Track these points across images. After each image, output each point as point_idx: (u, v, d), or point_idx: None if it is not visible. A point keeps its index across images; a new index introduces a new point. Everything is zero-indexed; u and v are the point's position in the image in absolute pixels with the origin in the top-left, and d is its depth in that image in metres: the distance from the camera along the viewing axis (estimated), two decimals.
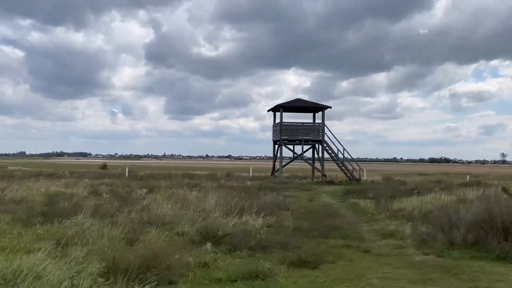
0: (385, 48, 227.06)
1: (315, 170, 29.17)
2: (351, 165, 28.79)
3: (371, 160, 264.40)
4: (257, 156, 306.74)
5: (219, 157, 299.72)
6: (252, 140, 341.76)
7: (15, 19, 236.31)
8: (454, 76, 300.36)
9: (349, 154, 28.99)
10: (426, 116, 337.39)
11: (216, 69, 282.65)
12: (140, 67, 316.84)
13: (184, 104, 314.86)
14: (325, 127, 27.84)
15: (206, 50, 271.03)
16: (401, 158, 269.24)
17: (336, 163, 28.38)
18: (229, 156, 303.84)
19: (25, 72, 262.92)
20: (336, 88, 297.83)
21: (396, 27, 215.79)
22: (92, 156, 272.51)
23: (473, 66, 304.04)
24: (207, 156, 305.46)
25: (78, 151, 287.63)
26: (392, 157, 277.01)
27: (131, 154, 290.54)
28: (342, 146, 28.42)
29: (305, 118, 30.80)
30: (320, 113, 28.63)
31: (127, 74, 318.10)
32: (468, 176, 36.33)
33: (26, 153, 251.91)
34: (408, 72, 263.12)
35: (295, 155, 29.02)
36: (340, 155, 28.47)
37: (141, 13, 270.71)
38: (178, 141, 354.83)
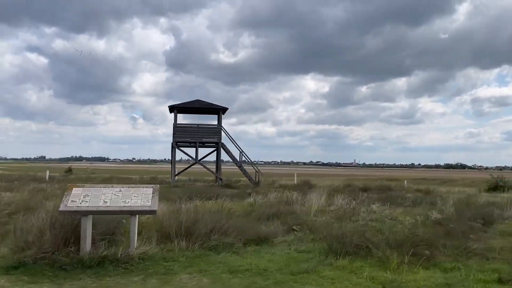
0: (405, 53, 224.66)
1: (219, 172, 29.14)
2: (256, 168, 28.72)
3: (388, 166, 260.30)
4: (272, 161, 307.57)
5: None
6: (268, 145, 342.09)
7: (40, 27, 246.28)
8: (476, 81, 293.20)
9: (247, 157, 28.91)
10: (447, 121, 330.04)
11: (234, 75, 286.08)
12: (160, 73, 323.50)
13: None
14: (222, 129, 27.80)
15: (225, 57, 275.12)
16: (419, 164, 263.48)
17: (238, 166, 28.35)
18: (244, 161, 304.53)
19: (49, 79, 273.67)
20: (355, 93, 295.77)
21: (416, 32, 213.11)
22: (110, 160, 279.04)
23: (496, 71, 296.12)
24: (222, 161, 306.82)
25: (98, 156, 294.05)
26: (410, 163, 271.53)
27: (148, 159, 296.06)
28: (240, 148, 28.38)
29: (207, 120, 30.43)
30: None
31: (148, 80, 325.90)
32: (406, 181, 35.51)
33: (46, 158, 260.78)
34: (428, 77, 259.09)
35: (193, 158, 28.87)
36: (248, 159, 28.57)
37: (162, 20, 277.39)
38: None
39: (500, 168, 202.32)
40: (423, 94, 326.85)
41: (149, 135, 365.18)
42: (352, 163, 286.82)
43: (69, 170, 51.98)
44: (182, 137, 27.13)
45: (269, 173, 62.75)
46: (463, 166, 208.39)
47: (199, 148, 28.94)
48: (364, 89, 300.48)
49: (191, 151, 28.64)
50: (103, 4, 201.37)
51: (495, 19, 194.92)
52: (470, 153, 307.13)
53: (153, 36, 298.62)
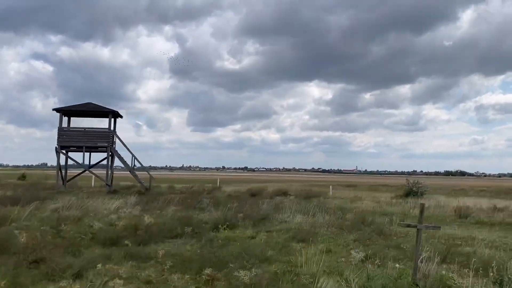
0: (409, 60, 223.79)
1: (111, 177, 28.28)
2: (150, 174, 27.88)
3: (390, 173, 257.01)
4: (274, 168, 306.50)
5: (235, 168, 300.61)
6: (273, 152, 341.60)
7: (46, 35, 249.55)
8: (480, 88, 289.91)
9: (139, 162, 28.02)
10: (451, 128, 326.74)
11: (239, 82, 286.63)
12: (165, 80, 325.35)
13: (207, 116, 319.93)
14: (112, 133, 26.97)
15: (229, 64, 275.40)
16: (421, 171, 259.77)
17: (129, 171, 27.51)
18: (245, 168, 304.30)
19: (54, 86, 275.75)
20: (359, 100, 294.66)
21: (421, 39, 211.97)
22: (114, 168, 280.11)
23: (500, 78, 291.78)
24: (223, 167, 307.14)
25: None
26: (412, 170, 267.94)
27: (150, 166, 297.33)
28: (132, 153, 27.52)
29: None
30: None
31: (152, 87, 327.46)
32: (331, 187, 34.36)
33: (47, 165, 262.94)
34: (432, 84, 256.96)
35: (79, 163, 27.85)
36: (139, 164, 27.75)
37: (167, 28, 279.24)
38: (200, 153, 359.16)
39: (499, 175, 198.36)
40: (427, 101, 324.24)
41: (152, 142, 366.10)
42: (354, 169, 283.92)
43: (23, 176, 51.81)
44: (66, 141, 26.30)
45: (237, 180, 62.31)
46: (462, 173, 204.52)
47: (94, 153, 28.21)
48: (368, 96, 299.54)
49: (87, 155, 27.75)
50: (109, 12, 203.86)
51: (499, 27, 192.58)
52: (475, 160, 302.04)
53: (158, 44, 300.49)
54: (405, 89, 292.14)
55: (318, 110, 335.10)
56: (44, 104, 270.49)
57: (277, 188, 30.92)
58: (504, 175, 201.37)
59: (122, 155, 27.38)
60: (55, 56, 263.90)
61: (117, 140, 27.21)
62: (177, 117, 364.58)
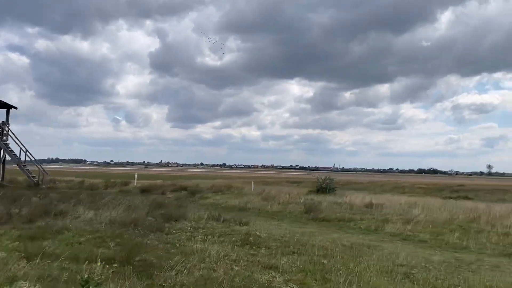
0: (389, 60, 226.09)
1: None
2: (42, 169, 26.72)
3: (366, 171, 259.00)
4: (253, 165, 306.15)
5: (213, 165, 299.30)
6: (253, 149, 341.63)
7: (23, 27, 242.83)
8: (457, 88, 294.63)
9: (32, 156, 26.86)
10: (428, 127, 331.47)
11: (219, 78, 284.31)
12: (145, 75, 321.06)
13: (187, 112, 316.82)
14: (7, 126, 25.78)
15: (210, 60, 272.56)
16: (397, 169, 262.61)
17: (17, 165, 26.32)
18: (223, 165, 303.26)
19: (30, 79, 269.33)
20: (339, 98, 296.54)
21: (400, 40, 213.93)
22: (87, 163, 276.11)
23: (476, 79, 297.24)
24: (201, 164, 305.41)
25: (76, 158, 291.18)
26: (389, 168, 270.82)
27: (127, 161, 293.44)
28: (24, 147, 26.37)
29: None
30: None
31: (132, 82, 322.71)
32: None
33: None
34: (411, 84, 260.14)
35: None
36: (34, 158, 26.60)
37: (148, 22, 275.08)
38: (179, 149, 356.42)
39: (469, 174, 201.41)
40: (405, 100, 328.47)
41: (131, 137, 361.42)
42: (331, 167, 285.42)
43: None
44: None
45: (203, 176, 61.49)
46: (435, 171, 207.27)
47: None
48: (348, 94, 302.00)
49: None
50: (89, 5, 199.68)
51: (476, 29, 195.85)
52: (450, 159, 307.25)
53: (138, 38, 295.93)
54: (384, 88, 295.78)
55: (299, 108, 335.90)
56: (20, 97, 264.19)
57: (190, 184, 30.14)
58: (476, 173, 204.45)
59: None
60: (32, 49, 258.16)
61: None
62: (157, 112, 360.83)
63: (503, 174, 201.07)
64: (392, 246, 9.59)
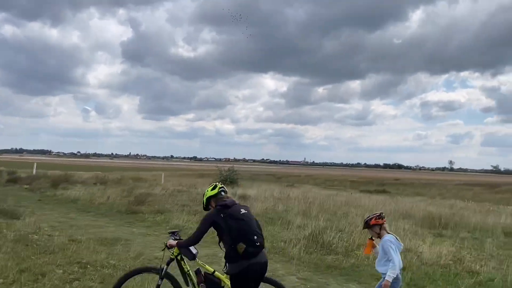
0: (361, 56, 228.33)
1: None
2: None
3: (336, 165, 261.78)
4: (224, 158, 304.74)
5: (184, 158, 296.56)
6: (227, 142, 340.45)
7: None
8: (426, 85, 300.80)
9: None
10: (397, 123, 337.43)
11: (193, 70, 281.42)
12: (116, 65, 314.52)
13: (159, 104, 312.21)
14: None
15: (184, 51, 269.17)
16: (364, 164, 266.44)
17: None
18: (194, 158, 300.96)
19: None
20: (312, 94, 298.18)
21: (372, 37, 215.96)
22: (53, 154, 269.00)
23: (444, 77, 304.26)
24: (171, 157, 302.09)
25: (41, 148, 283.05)
26: (357, 163, 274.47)
27: (95, 153, 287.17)
28: None
29: None
30: None
31: (103, 72, 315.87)
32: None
33: None
34: (381, 81, 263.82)
35: None
36: None
37: (121, 11, 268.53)
38: (150, 142, 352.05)
39: (433, 170, 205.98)
40: (376, 96, 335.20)
41: (101, 128, 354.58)
42: (301, 161, 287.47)
43: None
44: None
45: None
46: (399, 166, 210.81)
47: None
48: (321, 90, 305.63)
49: None
50: None
51: (445, 28, 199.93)
52: (418, 155, 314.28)
53: (110, 27, 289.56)
54: (355, 85, 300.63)
55: (273, 102, 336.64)
56: None
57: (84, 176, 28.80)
58: (439, 169, 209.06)
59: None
60: None
61: None
62: (128, 104, 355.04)
63: (466, 170, 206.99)
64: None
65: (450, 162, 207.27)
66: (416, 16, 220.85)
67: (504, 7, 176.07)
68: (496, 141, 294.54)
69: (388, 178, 55.98)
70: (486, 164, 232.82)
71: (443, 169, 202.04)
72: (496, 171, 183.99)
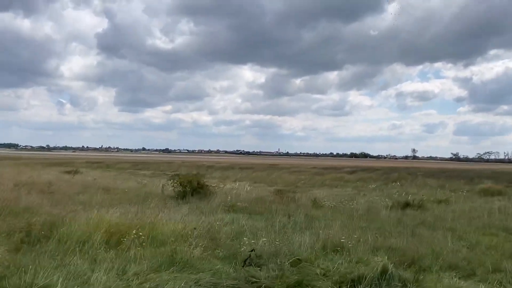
0: (338, 48, 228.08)
1: None
2: None
3: (309, 155, 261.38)
4: (198, 150, 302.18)
5: (156, 150, 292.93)
6: (205, 134, 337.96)
7: None
8: (401, 76, 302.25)
9: None
10: (373, 113, 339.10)
11: (171, 61, 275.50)
12: (92, 56, 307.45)
13: (136, 96, 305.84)
14: None
15: (161, 42, 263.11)
16: (337, 154, 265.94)
17: None
18: (167, 150, 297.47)
19: None
20: (290, 85, 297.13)
21: (349, 28, 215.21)
22: (20, 147, 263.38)
23: (419, 68, 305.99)
24: (143, 149, 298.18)
25: (9, 142, 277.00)
26: (329, 152, 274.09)
27: (65, 146, 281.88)
28: None
29: None
30: None
31: (77, 63, 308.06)
32: None
33: None
34: (358, 72, 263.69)
35: None
36: None
37: (96, 2, 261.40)
38: (126, 134, 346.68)
39: (395, 158, 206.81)
40: (353, 87, 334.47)
41: (76, 121, 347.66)
42: (275, 152, 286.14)
43: None
44: None
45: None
46: (365, 155, 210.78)
47: None
48: (298, 81, 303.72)
49: None
50: None
51: (420, 20, 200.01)
52: (393, 144, 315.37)
53: (85, 18, 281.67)
54: (332, 76, 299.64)
55: (251, 93, 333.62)
56: None
57: None
58: (408, 157, 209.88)
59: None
60: None
61: None
62: (104, 96, 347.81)
63: (435, 158, 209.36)
64: None
65: (413, 151, 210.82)
66: (392, 8, 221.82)
67: None
68: (467, 130, 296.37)
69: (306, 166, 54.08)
70: (459, 151, 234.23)
71: (406, 157, 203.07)
72: (455, 158, 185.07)
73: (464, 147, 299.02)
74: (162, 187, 15.01)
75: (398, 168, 48.91)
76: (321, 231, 8.27)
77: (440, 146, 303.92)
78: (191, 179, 14.92)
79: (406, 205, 13.88)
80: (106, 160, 50.96)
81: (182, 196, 14.37)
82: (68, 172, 26.94)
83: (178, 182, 14.88)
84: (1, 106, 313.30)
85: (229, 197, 14.11)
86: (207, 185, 15.10)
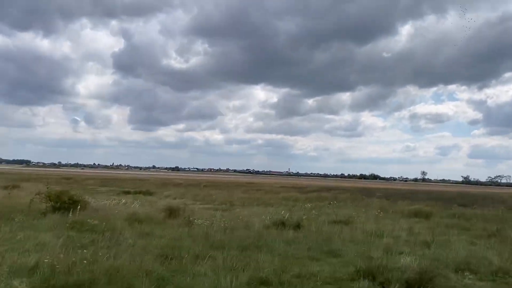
0: (351, 69, 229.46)
1: None
2: None
3: (320, 176, 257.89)
4: (208, 168, 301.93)
5: (166, 169, 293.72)
6: (217, 152, 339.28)
7: None
8: (415, 98, 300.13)
9: None
10: (386, 135, 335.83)
11: (185, 81, 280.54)
12: (107, 75, 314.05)
13: (149, 115, 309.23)
14: None
15: (176, 63, 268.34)
16: (348, 175, 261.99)
17: None
18: (176, 168, 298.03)
19: None
20: (302, 105, 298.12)
21: (362, 50, 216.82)
22: (32, 163, 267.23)
23: (432, 90, 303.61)
24: (153, 167, 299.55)
25: (22, 159, 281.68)
26: (340, 173, 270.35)
27: (77, 163, 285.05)
28: None
29: None
30: None
31: (93, 82, 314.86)
32: None
33: None
34: (371, 93, 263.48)
35: None
36: None
37: (113, 23, 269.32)
38: (139, 152, 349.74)
39: (405, 180, 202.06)
40: (365, 108, 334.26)
41: (90, 139, 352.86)
42: (284, 172, 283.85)
43: None
44: None
45: None
46: (375, 177, 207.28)
47: None
48: (311, 101, 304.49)
49: None
50: (51, 2, 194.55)
51: (433, 42, 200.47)
52: (407, 166, 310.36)
53: (102, 38, 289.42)
54: (345, 96, 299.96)
55: (263, 113, 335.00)
56: None
57: None
58: (416, 180, 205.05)
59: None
60: None
61: None
62: (118, 114, 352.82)
63: (442, 180, 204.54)
64: None
65: (423, 173, 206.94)
66: (405, 30, 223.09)
67: (490, 23, 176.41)
68: (482, 153, 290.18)
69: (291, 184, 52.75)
70: (473, 175, 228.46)
71: (415, 180, 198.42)
72: (465, 181, 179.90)
73: (479, 170, 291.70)
74: (30, 201, 13.95)
75: (367, 189, 47.18)
76: None
77: (454, 169, 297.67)
78: (59, 194, 13.92)
79: (282, 224, 12.51)
80: (76, 177, 50.51)
81: (50, 211, 13.33)
82: (6, 187, 26.11)
83: (47, 196, 13.85)
84: (17, 123, 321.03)
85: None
86: (78, 201, 14.00)
